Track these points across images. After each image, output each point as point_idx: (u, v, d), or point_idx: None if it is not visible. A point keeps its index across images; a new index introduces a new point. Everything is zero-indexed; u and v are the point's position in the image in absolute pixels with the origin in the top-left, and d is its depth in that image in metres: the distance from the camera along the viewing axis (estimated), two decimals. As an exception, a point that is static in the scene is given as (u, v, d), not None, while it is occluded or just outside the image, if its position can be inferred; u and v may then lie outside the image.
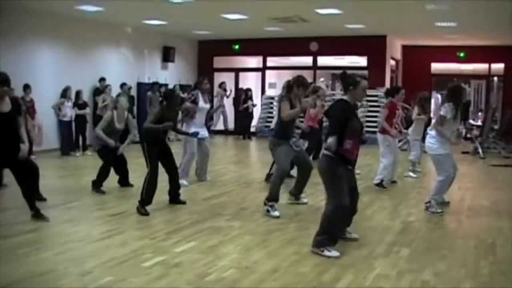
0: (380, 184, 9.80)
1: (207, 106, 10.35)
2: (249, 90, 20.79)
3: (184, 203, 8.41)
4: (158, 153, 8.09)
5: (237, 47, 21.60)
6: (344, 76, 6.13)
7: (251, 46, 21.24)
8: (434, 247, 6.36)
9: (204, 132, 10.24)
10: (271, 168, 10.46)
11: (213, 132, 21.02)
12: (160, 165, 8.17)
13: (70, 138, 14.88)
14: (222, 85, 20.95)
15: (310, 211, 8.07)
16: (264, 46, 20.75)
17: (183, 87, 19.65)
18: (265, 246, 6.26)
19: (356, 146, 5.90)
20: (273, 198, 7.82)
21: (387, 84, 19.70)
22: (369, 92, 18.62)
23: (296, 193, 8.52)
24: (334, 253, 5.84)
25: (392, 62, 21.51)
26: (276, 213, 7.70)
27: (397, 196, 9.37)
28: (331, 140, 5.79)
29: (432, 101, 20.62)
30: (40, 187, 8.78)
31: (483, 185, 10.84)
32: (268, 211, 7.77)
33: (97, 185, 9.28)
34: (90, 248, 6.16)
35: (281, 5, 13.53)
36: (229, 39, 21.23)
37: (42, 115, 14.47)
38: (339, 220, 5.99)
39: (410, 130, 11.10)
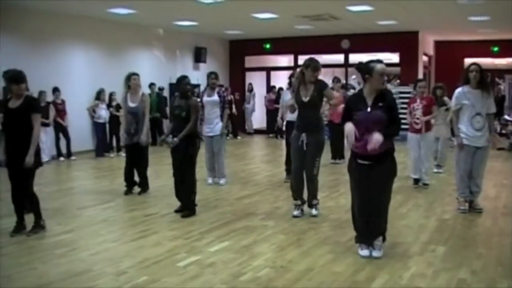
0: (417, 182, 9.75)
1: (211, 99, 10.02)
2: (281, 89, 20.73)
3: (187, 216, 7.77)
4: (172, 150, 7.93)
5: (268, 46, 21.60)
6: (359, 67, 5.86)
7: (282, 45, 21.21)
8: (470, 245, 6.28)
9: (210, 129, 10.03)
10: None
11: (246, 132, 21.15)
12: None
13: (105, 140, 15.07)
14: (249, 86, 21.21)
15: (343, 210, 8.02)
16: (295, 45, 20.69)
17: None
18: (300, 245, 6.24)
19: (361, 140, 5.53)
20: (293, 197, 7.71)
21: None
22: (402, 88, 18.58)
23: (309, 203, 7.80)
24: (364, 252, 5.77)
25: (425, 58, 21.29)
26: (294, 213, 7.62)
27: (432, 193, 9.26)
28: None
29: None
30: (76, 188, 8.90)
31: (520, 182, 10.66)
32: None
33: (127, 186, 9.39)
34: (125, 248, 6.22)
35: (311, 3, 13.50)
36: (260, 38, 21.24)
37: (76, 117, 14.69)
38: (355, 218, 5.90)
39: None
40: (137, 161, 9.33)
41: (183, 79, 8.05)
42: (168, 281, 5.10)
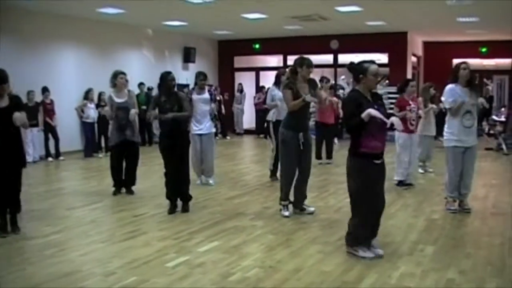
0: (400, 184, 9.74)
1: (201, 97, 9.90)
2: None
3: (187, 211, 8.00)
4: (168, 147, 7.93)
5: (257, 46, 21.61)
6: (352, 67, 5.84)
7: (271, 45, 21.22)
8: (459, 245, 6.30)
9: (201, 127, 9.94)
10: (270, 163, 10.43)
11: (235, 133, 21.14)
12: None
13: (93, 140, 15.01)
14: (239, 86, 21.22)
15: (333, 210, 8.05)
16: (284, 45, 20.70)
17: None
18: (289, 245, 6.25)
19: (377, 138, 5.57)
20: (282, 197, 7.72)
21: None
22: (390, 89, 18.62)
23: (296, 202, 7.83)
24: (369, 253, 5.75)
25: (414, 59, 21.36)
26: (285, 213, 7.63)
27: (421, 193, 9.29)
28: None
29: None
30: (65, 188, 8.88)
31: (508, 182, 10.71)
32: (280, 210, 7.74)
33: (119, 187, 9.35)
34: (114, 249, 6.20)
35: (300, 3, 13.51)
36: (249, 39, 21.24)
37: (65, 116, 14.63)
38: (366, 222, 5.78)
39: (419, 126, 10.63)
40: (128, 159, 9.27)
41: (167, 75, 8.09)
42: (157, 281, 5.09)
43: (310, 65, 7.53)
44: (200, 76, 10.03)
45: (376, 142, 5.57)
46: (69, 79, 15.23)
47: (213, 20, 16.81)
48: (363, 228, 5.74)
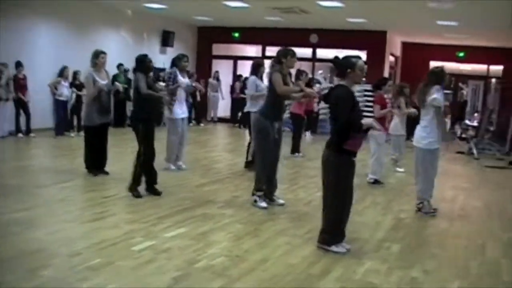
0: (376, 182, 9.81)
1: (186, 80, 9.96)
2: (247, 78, 20.72)
3: (159, 194, 8.01)
4: (152, 131, 7.96)
5: (236, 35, 21.55)
6: (338, 61, 5.83)
7: (250, 35, 21.19)
8: (424, 245, 6.38)
9: (184, 111, 10.01)
10: (248, 152, 10.41)
11: (207, 120, 21.06)
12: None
13: (66, 118, 14.84)
14: (215, 74, 21.10)
15: (302, 203, 8.07)
16: (264, 35, 20.69)
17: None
18: (256, 236, 6.25)
19: (361, 138, 5.67)
20: (259, 187, 7.68)
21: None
22: (368, 86, 18.68)
23: (267, 193, 7.77)
24: (341, 249, 5.77)
25: (391, 58, 21.50)
26: (263, 204, 7.59)
27: (390, 192, 9.36)
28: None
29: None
30: (34, 166, 8.80)
31: (476, 186, 10.84)
32: (255, 201, 7.66)
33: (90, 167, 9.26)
34: (82, 229, 6.16)
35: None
36: (229, 27, 21.20)
37: (38, 93, 14.44)
38: (342, 218, 5.82)
39: (391, 125, 10.74)
40: (103, 139, 9.23)
41: (145, 57, 8.12)
42: (122, 264, 5.06)
43: (294, 55, 7.58)
44: (184, 58, 9.95)
45: (360, 141, 5.64)
46: (44, 55, 15.02)
47: (194, 6, 16.72)
48: (340, 224, 5.78)
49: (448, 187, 9.95)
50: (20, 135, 13.88)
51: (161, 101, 7.93)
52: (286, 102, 10.13)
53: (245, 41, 22.00)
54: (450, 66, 21.82)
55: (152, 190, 8.05)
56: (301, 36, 20.15)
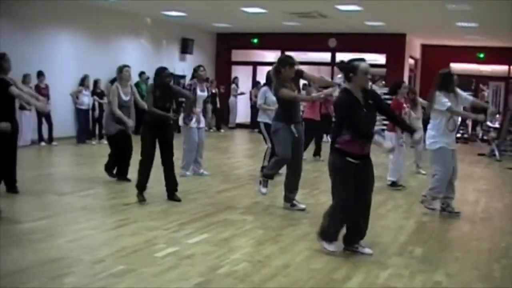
0: (394, 184, 9.74)
1: (204, 94, 10.10)
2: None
3: (179, 200, 8.10)
4: (153, 138, 8.00)
5: (255, 40, 21.59)
6: (342, 65, 5.80)
7: (269, 40, 21.20)
8: (447, 248, 6.33)
9: (202, 122, 10.14)
10: (265, 159, 10.43)
11: (228, 127, 21.05)
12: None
13: (87, 126, 14.98)
14: (234, 80, 21.12)
15: (324, 207, 8.00)
16: (283, 41, 20.67)
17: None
18: (278, 241, 6.24)
19: (360, 141, 5.54)
20: (268, 176, 7.86)
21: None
22: (386, 90, 18.62)
23: (288, 198, 7.86)
24: (332, 247, 5.77)
25: (411, 61, 21.39)
26: (264, 190, 7.83)
27: (412, 195, 9.27)
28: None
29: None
30: (56, 174, 8.89)
31: (498, 188, 10.74)
32: (260, 182, 7.90)
33: (108, 170, 9.38)
34: (103, 237, 6.19)
35: (300, 0, 13.50)
36: (248, 33, 21.22)
37: (59, 102, 14.58)
38: (339, 218, 5.78)
39: None
40: (126, 149, 9.33)
41: (163, 71, 8.15)
42: (145, 271, 5.08)
43: (293, 64, 7.50)
44: (201, 68, 10.06)
45: (358, 142, 5.54)
46: (65, 64, 15.17)
47: (213, 13, 16.79)
48: (334, 225, 5.80)
49: (470, 190, 9.86)
50: (42, 143, 14.02)
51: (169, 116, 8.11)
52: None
53: (264, 46, 22.03)
54: (471, 67, 21.73)
55: (172, 196, 8.12)
56: (319, 41, 20.16)
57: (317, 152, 12.97)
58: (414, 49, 21.47)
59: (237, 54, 22.56)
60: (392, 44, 19.29)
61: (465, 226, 7.42)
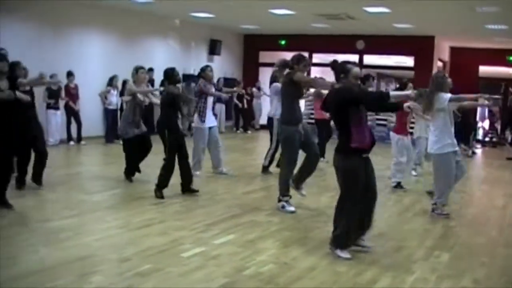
0: (398, 186, 9.72)
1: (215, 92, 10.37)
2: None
3: (197, 191, 8.48)
4: (176, 142, 8.29)
5: (283, 42, 21.55)
6: (335, 65, 5.93)
7: (297, 42, 21.13)
8: (474, 254, 6.26)
9: (212, 120, 10.28)
10: (267, 158, 10.60)
11: (254, 128, 21.02)
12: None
13: (115, 126, 15.09)
14: (256, 83, 21.07)
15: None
16: (310, 42, 20.63)
17: (228, 81, 19.73)
18: (304, 243, 6.24)
19: (367, 133, 5.64)
20: (285, 192, 7.75)
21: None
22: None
23: (296, 182, 7.88)
24: (348, 254, 5.74)
25: (440, 64, 21.19)
26: (292, 208, 7.68)
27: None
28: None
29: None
30: (84, 173, 9.00)
31: (528, 193, 10.60)
32: (283, 207, 7.72)
33: (127, 174, 9.50)
34: (130, 236, 6.25)
35: (329, 2, 13.47)
36: (276, 34, 21.20)
37: (88, 101, 14.74)
38: (353, 222, 5.75)
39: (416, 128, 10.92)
40: (144, 151, 9.43)
41: (173, 70, 8.55)
42: (172, 270, 5.12)
43: (308, 64, 7.73)
44: (208, 68, 10.23)
45: (366, 135, 5.63)
46: (94, 65, 15.33)
47: (241, 14, 16.82)
48: (348, 230, 5.76)
49: (498, 195, 9.77)
50: (71, 143, 14.18)
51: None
52: (308, 108, 10.25)
53: (291, 48, 21.80)
54: (501, 70, 21.47)
55: (188, 188, 8.47)
56: (347, 43, 20.07)
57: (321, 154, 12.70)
58: (442, 52, 21.28)
59: (265, 56, 22.55)
60: (420, 46, 19.12)
61: (493, 232, 7.35)
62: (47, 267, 5.09)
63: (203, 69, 10.21)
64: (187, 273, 5.09)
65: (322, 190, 9.23)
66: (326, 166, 11.38)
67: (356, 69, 5.68)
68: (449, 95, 7.48)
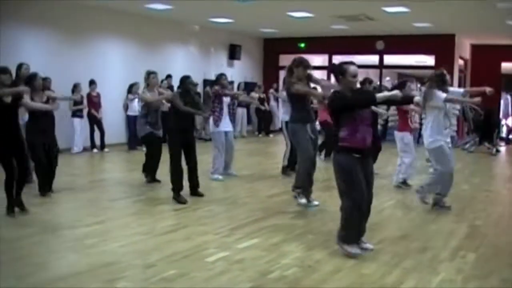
0: (404, 183, 9.80)
1: (228, 99, 10.58)
2: (314, 88, 20.58)
3: (202, 195, 8.67)
4: (181, 142, 8.49)
5: (302, 45, 21.53)
6: (333, 67, 6.16)
7: (316, 44, 21.14)
8: (501, 253, 6.18)
9: (228, 125, 10.52)
10: (285, 159, 10.83)
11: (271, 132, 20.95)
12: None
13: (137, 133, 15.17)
14: (272, 85, 21.02)
15: (374, 211, 7.95)
16: (330, 44, 20.62)
17: (248, 85, 19.76)
18: (328, 246, 6.21)
19: (362, 134, 5.69)
20: (299, 185, 8.12)
21: (455, 84, 19.28)
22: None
23: (306, 196, 8.19)
24: (355, 249, 5.81)
25: (461, 62, 21.04)
26: (303, 200, 8.06)
27: (463, 198, 9.14)
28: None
29: (502, 102, 20.11)
30: (108, 180, 9.10)
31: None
32: (295, 197, 8.25)
33: (147, 174, 9.75)
34: (155, 242, 6.27)
35: (347, 3, 13.45)
36: (295, 37, 21.20)
37: (110, 109, 14.86)
38: (353, 217, 5.79)
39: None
40: (157, 152, 9.71)
41: (187, 78, 8.90)
42: (196, 275, 5.14)
43: (308, 67, 7.94)
44: (223, 76, 10.54)
45: (360, 135, 5.70)
46: (115, 73, 15.45)
47: (259, 18, 16.85)
48: (351, 225, 5.83)
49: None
50: (94, 150, 14.30)
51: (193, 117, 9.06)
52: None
53: (311, 51, 21.88)
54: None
55: (195, 192, 8.72)
56: (367, 43, 20.02)
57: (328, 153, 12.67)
58: (463, 50, 21.12)
59: (285, 59, 22.52)
60: (440, 45, 18.99)
61: (520, 230, 7.27)
62: (74, 273, 5.13)
63: (218, 78, 10.56)
64: (212, 277, 5.10)
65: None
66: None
67: (352, 68, 5.80)
68: (444, 95, 7.61)
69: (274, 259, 5.69)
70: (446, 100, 7.63)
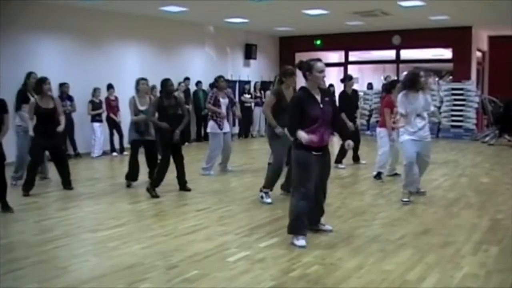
0: (377, 176, 9.99)
1: (226, 101, 10.86)
2: (331, 85, 20.52)
3: (189, 190, 9.17)
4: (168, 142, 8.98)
5: (318, 42, 21.50)
6: (300, 65, 6.33)
7: (332, 41, 21.10)
8: (524, 246, 6.15)
9: (226, 126, 10.84)
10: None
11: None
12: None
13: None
14: None
15: (394, 208, 7.96)
16: (346, 41, 20.57)
17: (264, 84, 19.76)
18: (349, 243, 6.21)
19: (318, 133, 5.92)
20: (268, 186, 8.37)
21: (473, 77, 19.14)
22: (454, 85, 18.29)
23: (286, 188, 8.44)
24: (301, 242, 6.01)
25: (478, 54, 20.87)
26: (269, 200, 8.27)
27: (484, 192, 9.08)
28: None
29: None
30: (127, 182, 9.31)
31: None
32: (262, 197, 8.35)
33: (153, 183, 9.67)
34: (176, 243, 6.30)
35: (362, -1, 13.43)
36: (311, 35, 21.17)
37: (128, 113, 14.86)
38: (300, 209, 6.03)
39: None
40: (150, 157, 9.82)
41: (168, 81, 9.15)
42: (218, 275, 5.15)
43: (293, 73, 8.17)
44: (221, 79, 10.96)
45: (317, 137, 5.92)
46: (133, 76, 15.33)
47: (274, 17, 16.84)
48: (296, 217, 6.07)
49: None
50: (114, 154, 14.38)
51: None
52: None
53: (327, 47, 21.88)
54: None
55: (184, 188, 9.24)
56: (383, 39, 19.94)
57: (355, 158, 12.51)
58: (481, 42, 20.95)
59: (301, 57, 22.37)
60: (457, 37, 18.85)
61: (543, 222, 7.20)
62: (97, 276, 5.17)
63: (216, 80, 10.97)
64: (234, 277, 5.12)
65: (366, 189, 9.21)
66: (364, 167, 11.40)
67: (319, 64, 6.02)
68: (398, 98, 8.02)
69: (295, 257, 5.69)
70: (400, 114, 8.06)
